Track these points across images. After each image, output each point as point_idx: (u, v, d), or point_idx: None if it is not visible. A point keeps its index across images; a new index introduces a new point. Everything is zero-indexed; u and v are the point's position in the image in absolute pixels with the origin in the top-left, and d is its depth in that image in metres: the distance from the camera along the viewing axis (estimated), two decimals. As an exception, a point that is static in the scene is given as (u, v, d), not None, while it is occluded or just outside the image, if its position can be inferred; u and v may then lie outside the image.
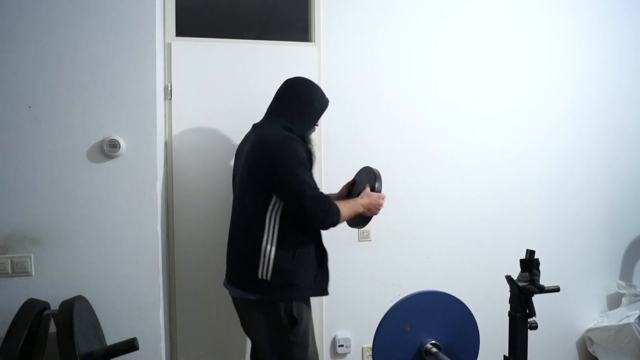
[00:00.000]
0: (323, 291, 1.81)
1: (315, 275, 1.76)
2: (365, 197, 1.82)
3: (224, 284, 1.86)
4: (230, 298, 2.07)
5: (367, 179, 1.93)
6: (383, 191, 1.84)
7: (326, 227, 1.73)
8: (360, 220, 1.90)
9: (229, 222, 1.89)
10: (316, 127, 1.92)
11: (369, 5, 2.35)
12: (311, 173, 1.72)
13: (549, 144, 2.60)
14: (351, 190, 2.03)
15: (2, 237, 1.72)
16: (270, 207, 1.69)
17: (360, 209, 1.80)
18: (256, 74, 2.22)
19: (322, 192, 1.69)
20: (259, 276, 1.67)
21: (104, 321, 1.77)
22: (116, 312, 1.80)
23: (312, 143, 1.86)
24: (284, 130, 1.74)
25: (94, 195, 1.78)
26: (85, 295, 1.74)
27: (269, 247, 1.67)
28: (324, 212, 1.66)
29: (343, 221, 1.79)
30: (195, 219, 2.16)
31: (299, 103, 1.81)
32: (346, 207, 1.76)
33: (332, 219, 1.69)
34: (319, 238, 1.84)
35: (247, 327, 1.87)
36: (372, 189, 1.86)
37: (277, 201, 1.68)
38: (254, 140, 1.76)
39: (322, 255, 1.82)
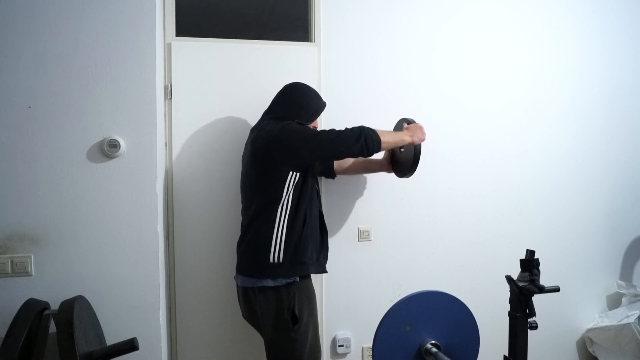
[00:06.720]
0: (323, 269, 1.92)
1: (318, 252, 1.88)
2: (406, 129, 1.95)
3: (235, 277, 1.91)
4: (229, 298, 2.07)
5: (400, 125, 2.08)
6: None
7: (369, 150, 1.80)
8: (410, 161, 1.99)
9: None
10: (315, 128, 1.96)
11: (369, 5, 2.35)
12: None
13: (548, 144, 2.60)
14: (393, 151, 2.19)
15: (2, 237, 1.72)
16: (285, 188, 1.77)
17: (407, 138, 1.91)
18: (256, 74, 2.22)
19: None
20: (271, 260, 1.75)
21: (104, 321, 1.78)
22: (116, 312, 1.80)
23: None
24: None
25: (94, 195, 1.79)
26: (85, 295, 1.74)
27: (280, 230, 1.76)
28: (357, 135, 1.77)
29: (387, 146, 1.88)
30: (195, 218, 2.16)
31: (292, 106, 1.90)
32: (384, 132, 1.87)
33: (370, 137, 1.78)
34: (322, 218, 1.94)
35: (255, 318, 1.88)
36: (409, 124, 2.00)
37: (292, 181, 1.77)
38: (257, 136, 1.82)
39: (323, 233, 1.93)
